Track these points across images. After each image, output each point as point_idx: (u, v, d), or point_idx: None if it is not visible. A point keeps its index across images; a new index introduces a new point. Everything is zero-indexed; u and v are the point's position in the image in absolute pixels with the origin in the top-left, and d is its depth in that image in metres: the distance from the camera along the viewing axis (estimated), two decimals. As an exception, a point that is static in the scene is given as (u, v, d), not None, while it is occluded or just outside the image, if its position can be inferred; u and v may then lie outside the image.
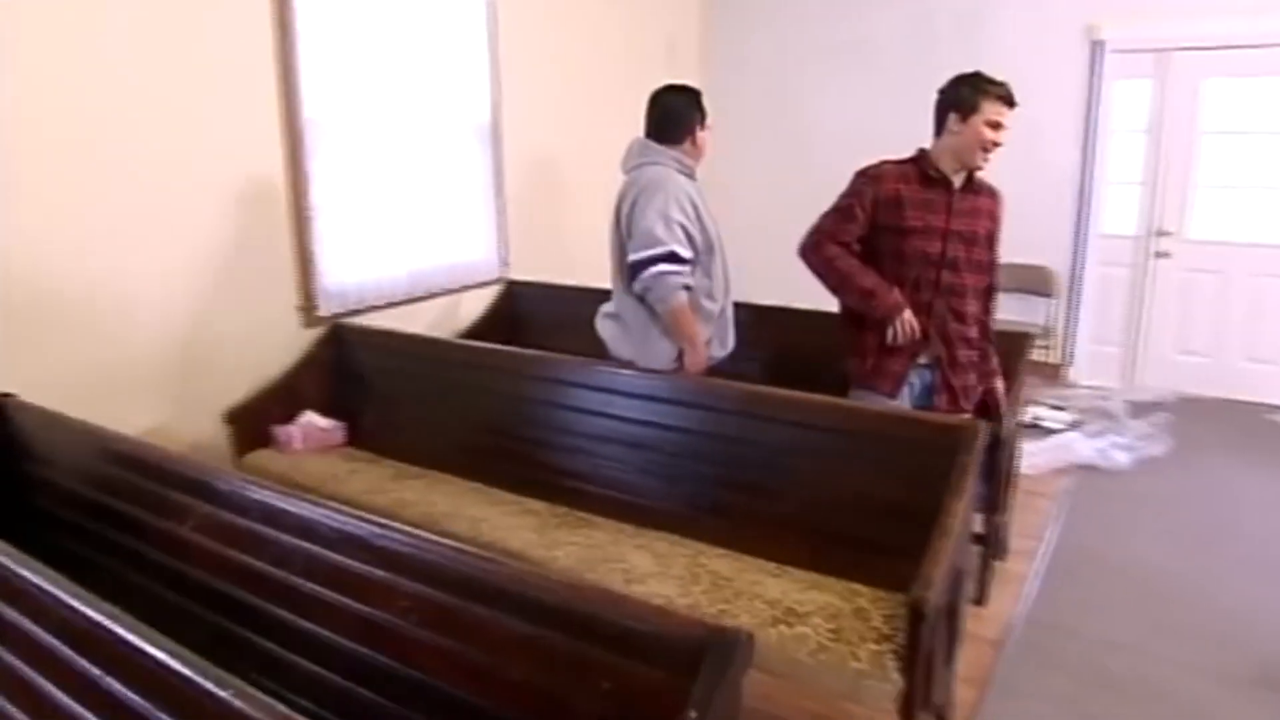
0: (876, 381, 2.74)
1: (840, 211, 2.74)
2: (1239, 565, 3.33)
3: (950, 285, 2.71)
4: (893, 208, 2.68)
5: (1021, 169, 5.32)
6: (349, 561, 1.73)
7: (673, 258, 2.69)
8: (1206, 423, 4.75)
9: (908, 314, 2.66)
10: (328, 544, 1.77)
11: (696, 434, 2.59)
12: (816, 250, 2.75)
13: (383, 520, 1.74)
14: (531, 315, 4.27)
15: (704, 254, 2.80)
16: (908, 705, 1.91)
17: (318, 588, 1.77)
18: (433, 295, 3.93)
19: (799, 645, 2.02)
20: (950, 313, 2.71)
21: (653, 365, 2.80)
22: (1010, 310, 4.62)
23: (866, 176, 2.75)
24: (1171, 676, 2.67)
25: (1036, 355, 5.04)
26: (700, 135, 2.89)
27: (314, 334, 3.39)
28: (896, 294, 2.67)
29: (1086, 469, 4.16)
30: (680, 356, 2.81)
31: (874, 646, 2.00)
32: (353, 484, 2.93)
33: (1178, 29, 4.91)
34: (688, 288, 2.75)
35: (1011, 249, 5.17)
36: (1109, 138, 5.21)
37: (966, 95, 2.71)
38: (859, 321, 2.77)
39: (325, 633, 1.75)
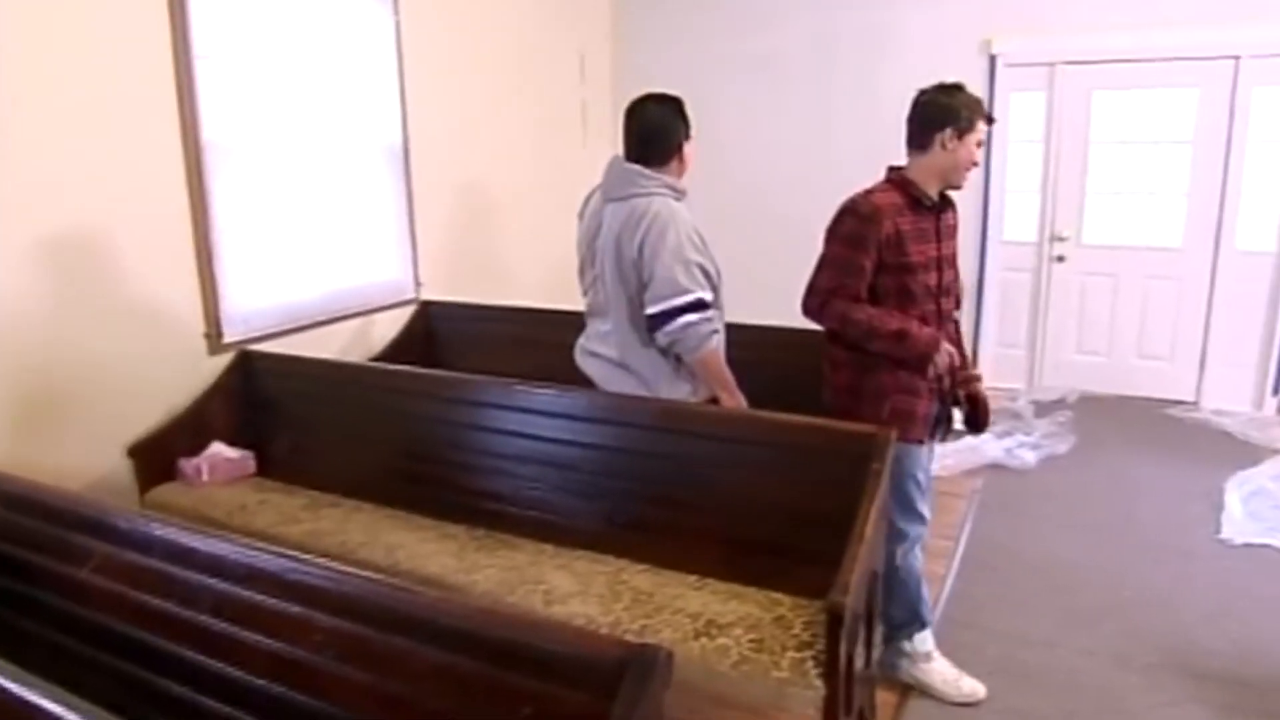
0: (905, 428, 2.47)
1: (841, 267, 2.45)
2: (1139, 554, 3.50)
3: (947, 312, 2.60)
4: (894, 246, 2.44)
5: (925, 179, 5.54)
6: (260, 597, 1.69)
7: (699, 305, 2.55)
8: (1106, 419, 4.97)
9: (945, 344, 2.49)
10: (237, 580, 1.72)
11: (614, 450, 2.60)
12: (825, 311, 2.47)
13: (294, 553, 1.70)
14: (447, 336, 4.23)
15: (716, 289, 2.68)
16: (830, 710, 1.95)
17: (228, 626, 1.73)
18: (344, 317, 3.87)
19: (721, 657, 2.04)
20: (948, 339, 2.57)
21: None
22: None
23: (860, 217, 2.46)
24: (1082, 666, 2.78)
25: (945, 359, 5.22)
26: (687, 150, 2.71)
27: (221, 361, 3.30)
28: (926, 328, 2.47)
29: (996, 468, 4.32)
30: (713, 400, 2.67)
31: (795, 654, 2.03)
32: (264, 516, 2.85)
33: (1067, 44, 5.15)
34: (715, 332, 2.62)
35: (918, 257, 5.40)
36: (1007, 148, 5.43)
37: (964, 112, 2.50)
38: (862, 365, 2.51)
39: (237, 673, 1.70)
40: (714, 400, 2.68)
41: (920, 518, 2.64)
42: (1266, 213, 5.00)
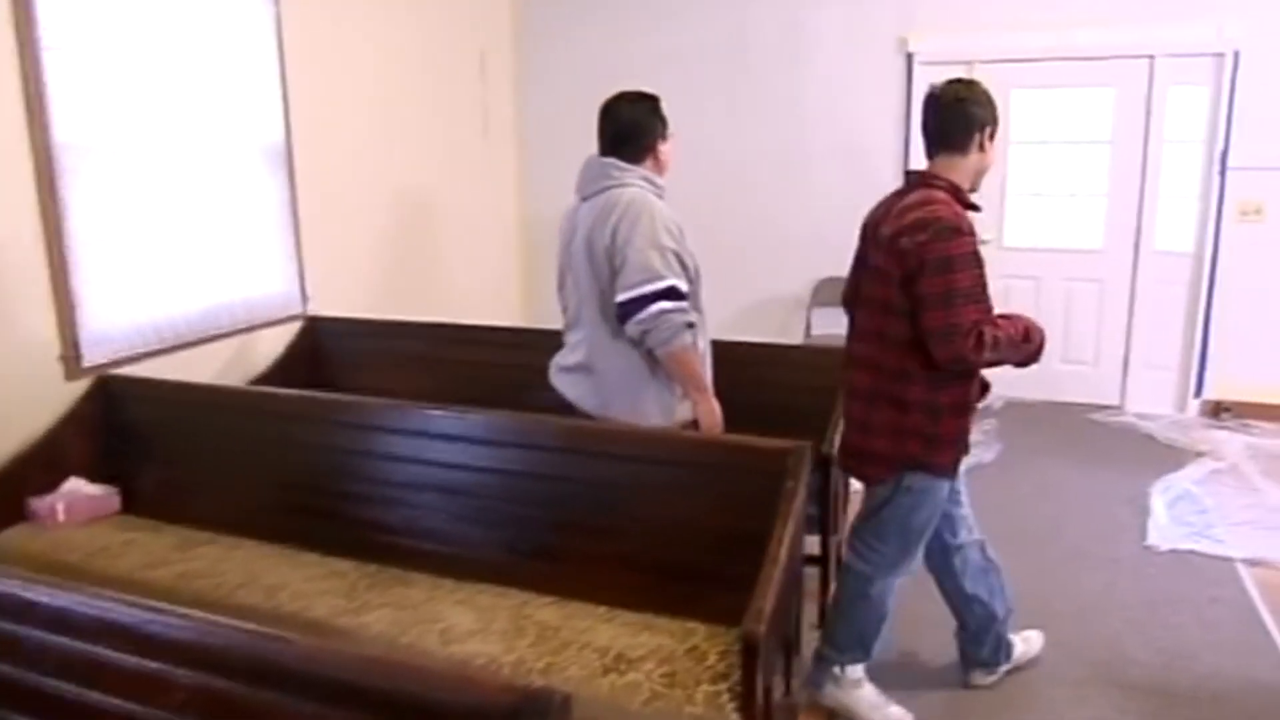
0: (960, 451, 2.46)
1: (975, 293, 2.31)
2: (1066, 564, 3.60)
3: None
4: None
5: (844, 183, 5.65)
6: (112, 654, 1.60)
7: (672, 293, 2.49)
8: (1033, 426, 5.13)
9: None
10: (86, 636, 1.62)
11: (517, 475, 2.56)
12: (979, 348, 2.28)
13: (152, 603, 1.61)
14: (338, 354, 4.12)
15: (694, 283, 2.64)
16: (747, 746, 1.94)
17: (77, 688, 1.62)
18: (222, 336, 3.73)
19: (632, 694, 2.01)
20: None
21: (652, 423, 2.58)
22: (839, 326, 4.82)
23: (968, 232, 2.33)
24: (1012, 680, 2.85)
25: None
26: (663, 149, 2.71)
27: (80, 386, 3.14)
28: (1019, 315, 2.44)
29: (920, 480, 4.39)
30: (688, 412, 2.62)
31: (709, 687, 2.02)
32: (129, 558, 2.72)
33: (984, 42, 5.31)
34: (690, 326, 2.55)
35: (838, 263, 5.46)
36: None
37: (994, 110, 2.50)
38: (939, 407, 2.39)
39: (87, 739, 1.61)
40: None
41: (917, 558, 2.63)
42: (1183, 213, 5.23)
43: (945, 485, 2.50)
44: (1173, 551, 3.68)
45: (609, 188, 2.61)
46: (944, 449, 2.42)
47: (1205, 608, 3.27)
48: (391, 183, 4.81)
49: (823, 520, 2.96)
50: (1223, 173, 5.07)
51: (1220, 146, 5.06)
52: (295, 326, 4.10)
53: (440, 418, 2.68)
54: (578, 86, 6.05)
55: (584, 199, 2.67)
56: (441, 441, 2.65)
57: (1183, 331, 5.30)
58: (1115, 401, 5.44)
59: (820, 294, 5.42)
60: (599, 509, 2.46)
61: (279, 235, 4.04)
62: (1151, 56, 5.12)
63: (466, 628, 2.29)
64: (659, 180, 2.68)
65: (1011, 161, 5.46)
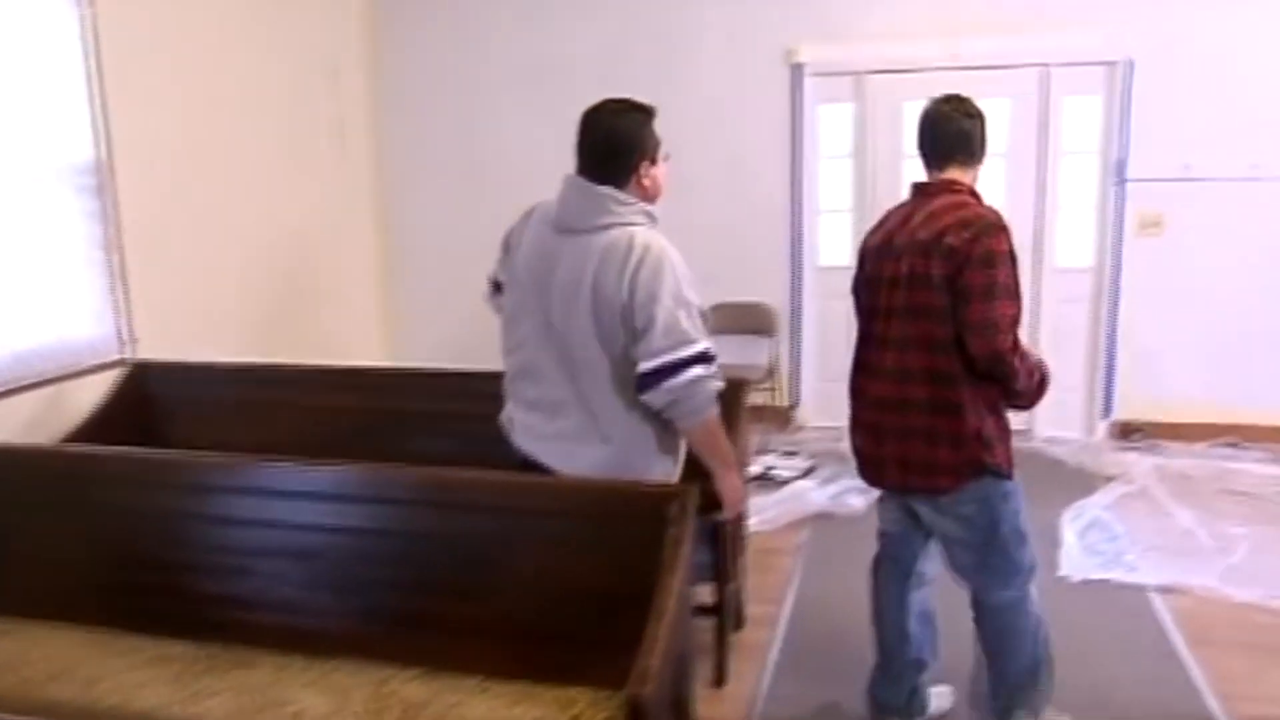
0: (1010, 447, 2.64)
1: (1015, 291, 2.47)
2: (976, 603, 3.69)
3: None
4: None
5: (730, 201, 5.78)
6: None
7: (705, 358, 2.39)
8: (937, 455, 5.27)
9: None
10: None
11: (374, 534, 2.50)
12: (1016, 347, 2.46)
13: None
14: (169, 404, 3.95)
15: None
16: (637, 822, 1.91)
17: None
18: (21, 388, 3.55)
19: (507, 775, 1.97)
20: None
21: None
22: (730, 353, 4.89)
23: (1006, 230, 2.50)
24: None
25: (762, 399, 5.42)
26: (655, 172, 2.53)
27: None
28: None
29: (822, 517, 4.50)
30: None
31: (593, 762, 1.99)
32: (-89, 653, 2.54)
33: (874, 52, 5.53)
34: (720, 393, 2.48)
35: (727, 287, 5.58)
36: (817, 164, 5.73)
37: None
38: (986, 403, 2.54)
39: None
40: (692, 478, 2.53)
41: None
42: (1083, 227, 5.51)
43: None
44: (1085, 582, 3.82)
45: (610, 226, 2.42)
46: (999, 447, 2.59)
47: (1120, 640, 3.41)
48: (237, 207, 4.69)
49: (717, 567, 2.97)
50: (1121, 185, 5.36)
51: (1117, 158, 5.36)
52: (117, 374, 3.93)
53: (285, 473, 2.60)
54: (442, 100, 6.06)
55: (568, 232, 2.46)
56: (287, 500, 2.57)
57: (1088, 351, 5.56)
58: (1022, 426, 5.65)
59: (713, 320, 5.47)
60: (467, 568, 2.41)
61: (90, 268, 3.87)
62: (1045, 65, 5.41)
63: (320, 711, 2.21)
64: (655, 212, 2.52)
65: (906, 178, 5.63)
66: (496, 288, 2.70)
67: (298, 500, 2.55)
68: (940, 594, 2.94)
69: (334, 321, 5.59)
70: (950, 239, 2.47)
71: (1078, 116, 5.44)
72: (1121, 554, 4.06)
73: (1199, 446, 5.27)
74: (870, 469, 2.76)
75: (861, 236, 5.61)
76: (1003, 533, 2.64)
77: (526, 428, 2.55)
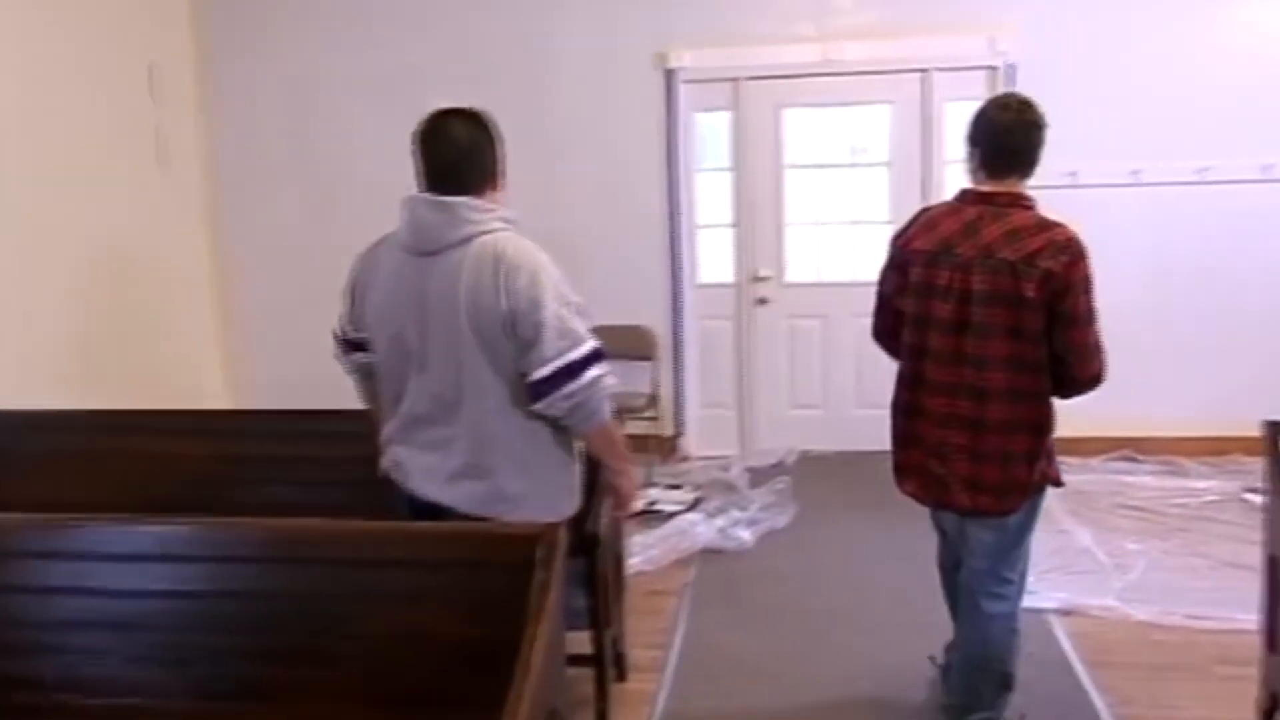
0: None
1: (1097, 317, 2.77)
2: (873, 635, 3.80)
3: None
4: None
5: (603, 216, 5.82)
6: None
7: (600, 356, 2.47)
8: (829, 480, 5.42)
9: None
10: None
11: (213, 596, 2.42)
12: (1107, 365, 2.80)
13: None
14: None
15: None
16: None
17: None
18: None
19: None
20: None
21: (563, 513, 2.51)
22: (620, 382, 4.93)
23: (1088, 253, 2.75)
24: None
25: (644, 428, 5.46)
26: (504, 178, 2.59)
27: None
28: None
29: (710, 553, 4.55)
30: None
31: (458, 836, 1.97)
32: None
33: (751, 57, 5.66)
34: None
35: (602, 309, 5.56)
36: (695, 177, 5.83)
37: None
38: (1043, 424, 2.84)
39: None
40: (593, 482, 2.65)
41: None
42: (968, 237, 5.72)
43: None
44: (980, 609, 3.95)
45: (472, 236, 2.44)
46: (1054, 460, 2.90)
47: (1020, 666, 3.53)
48: (48, 231, 4.51)
49: (594, 611, 2.98)
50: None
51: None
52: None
53: (105, 533, 2.49)
54: (281, 110, 5.96)
55: (428, 254, 2.46)
56: (108, 563, 2.46)
57: (978, 363, 5.77)
58: (918, 447, 5.82)
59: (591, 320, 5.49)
60: (314, 630, 2.36)
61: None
62: (926, 70, 5.62)
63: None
64: (513, 215, 2.55)
65: (787, 188, 5.80)
66: (348, 345, 2.68)
67: (122, 563, 2.45)
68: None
69: (166, 359, 5.42)
70: (1048, 263, 2.64)
71: (961, 122, 5.65)
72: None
73: (1095, 461, 5.50)
74: (932, 487, 2.92)
75: (742, 253, 5.76)
76: (1026, 540, 2.96)
77: (423, 472, 2.55)
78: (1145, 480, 5.30)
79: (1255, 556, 3.25)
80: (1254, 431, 3.22)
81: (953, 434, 2.80)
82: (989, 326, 2.71)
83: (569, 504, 2.60)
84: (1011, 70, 5.49)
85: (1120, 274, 5.30)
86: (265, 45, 5.90)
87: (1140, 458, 5.54)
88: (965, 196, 2.85)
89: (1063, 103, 5.41)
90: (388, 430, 2.62)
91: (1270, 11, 5.40)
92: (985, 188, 2.81)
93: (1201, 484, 5.21)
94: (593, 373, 2.43)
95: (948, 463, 2.82)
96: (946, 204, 2.91)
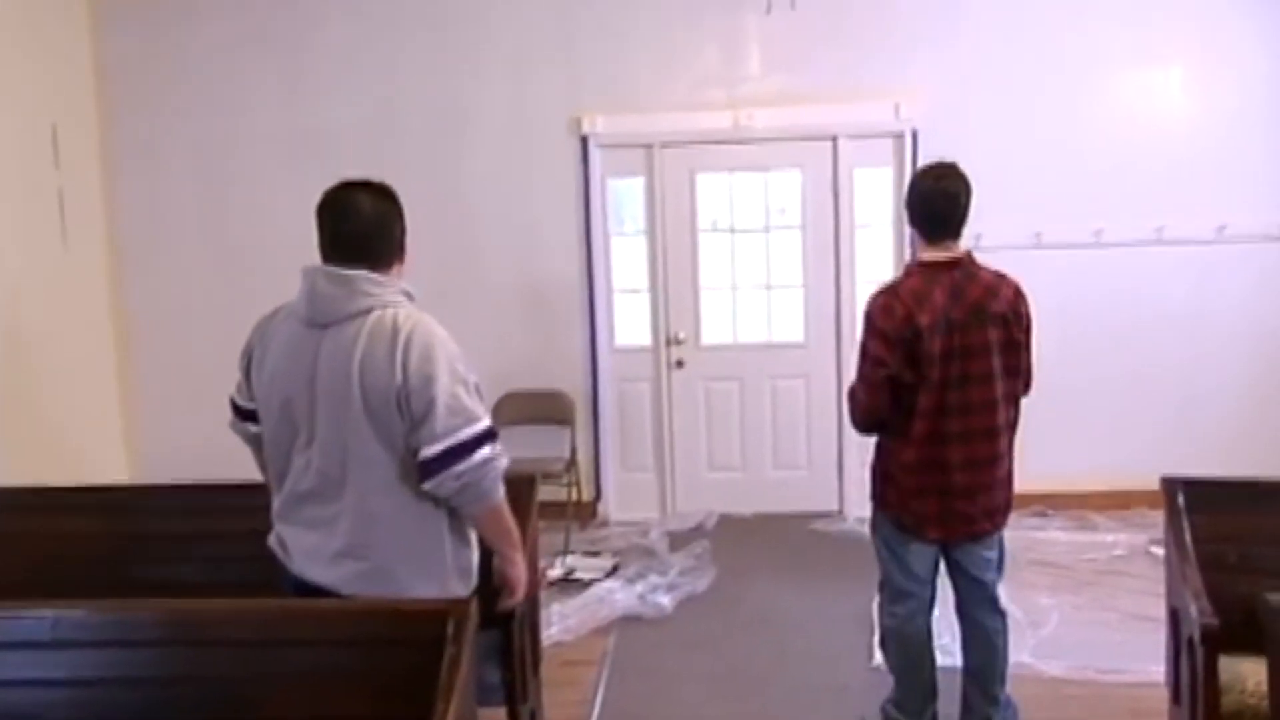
0: None
1: None
2: (791, 700, 3.81)
3: None
4: None
5: (520, 280, 5.85)
6: None
7: (492, 435, 2.42)
8: (748, 543, 5.44)
9: None
10: None
11: (107, 684, 2.33)
12: None
13: None
14: None
15: None
16: None
17: None
18: None
19: None
20: None
21: (453, 592, 2.45)
22: (524, 445, 4.93)
23: None
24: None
25: (562, 493, 5.44)
26: (407, 252, 2.57)
27: None
28: None
29: (629, 620, 4.53)
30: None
31: None
32: None
33: (665, 123, 5.76)
34: None
35: (518, 374, 5.61)
36: (611, 241, 5.88)
37: None
38: None
39: None
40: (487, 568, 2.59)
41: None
42: (879, 300, 5.84)
43: None
44: (900, 670, 3.98)
45: (369, 309, 2.41)
46: None
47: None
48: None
49: (508, 686, 2.95)
50: (915, 257, 5.73)
51: (909, 229, 5.73)
52: None
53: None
54: (188, 172, 5.89)
55: (323, 326, 2.42)
56: (-2, 651, 2.38)
57: (894, 424, 5.86)
58: (834, 507, 5.89)
59: (505, 411, 5.48)
60: (218, 716, 2.29)
61: None
62: (834, 137, 5.76)
63: None
64: (413, 290, 2.53)
65: (703, 252, 5.88)
66: (241, 413, 2.64)
67: (13, 651, 2.35)
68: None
69: (62, 431, 5.26)
70: (1023, 308, 3.19)
71: (869, 187, 5.81)
72: (938, 636, 4.24)
73: (1009, 518, 5.60)
74: (959, 527, 3.23)
75: (658, 316, 5.83)
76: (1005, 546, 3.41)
77: (306, 553, 2.49)
78: (1056, 535, 5.41)
79: (1162, 609, 3.35)
80: (1156, 485, 3.34)
81: (979, 475, 3.17)
82: (990, 373, 3.12)
83: (462, 586, 2.53)
84: (914, 136, 5.65)
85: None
86: (172, 105, 5.83)
87: (1051, 513, 5.64)
88: (932, 265, 3.16)
89: (966, 167, 5.61)
90: (274, 507, 2.57)
91: (1158, 81, 5.66)
92: (943, 255, 3.16)
93: (1110, 538, 5.33)
94: (484, 453, 2.39)
95: (976, 500, 3.19)
96: (917, 277, 3.18)
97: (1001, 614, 3.37)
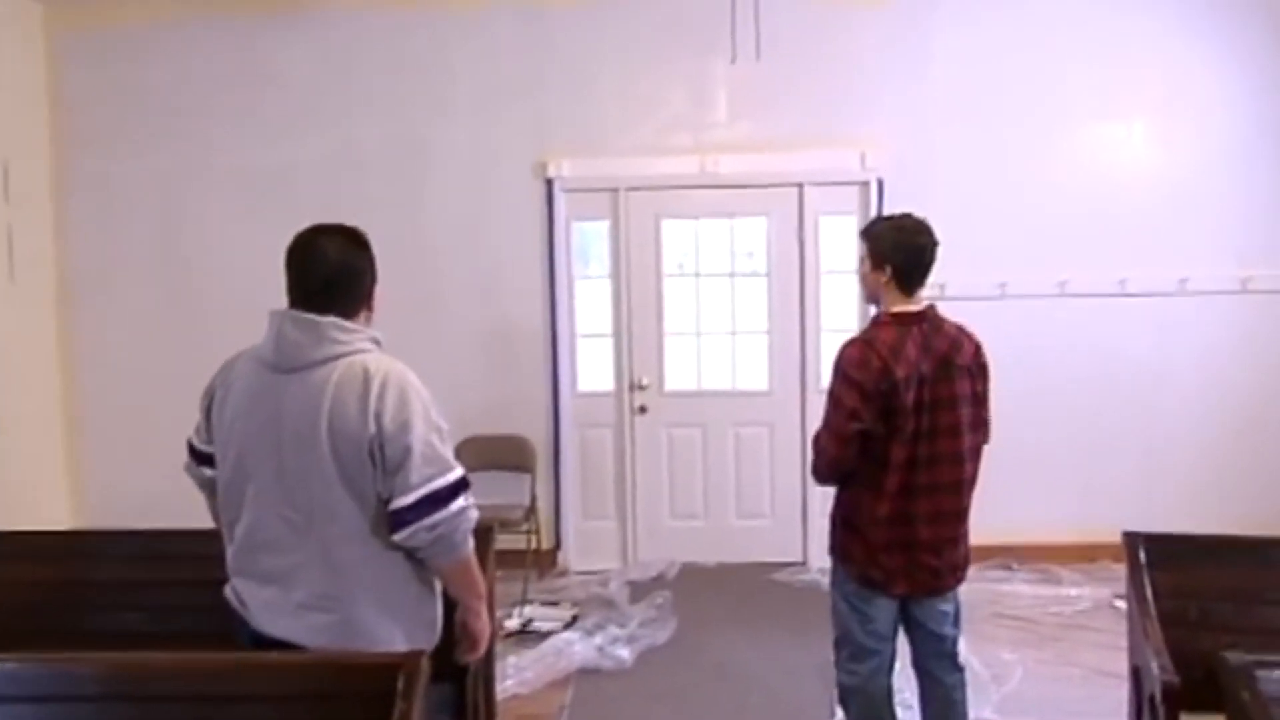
0: None
1: None
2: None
3: None
4: None
5: (481, 324, 5.85)
6: None
7: (466, 484, 2.43)
8: (710, 593, 5.43)
9: None
10: None
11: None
12: None
13: None
14: None
15: None
16: None
17: None
18: None
19: None
20: None
21: (418, 644, 2.40)
22: (483, 492, 4.86)
23: None
24: None
25: (521, 541, 5.41)
26: (376, 298, 2.57)
27: None
28: None
29: (588, 673, 4.49)
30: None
31: None
32: None
33: (630, 168, 5.80)
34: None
35: (479, 418, 5.58)
36: (574, 285, 5.91)
37: None
38: None
39: None
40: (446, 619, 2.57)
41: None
42: (845, 349, 5.89)
43: None
44: (860, 725, 3.98)
45: (339, 356, 2.40)
46: None
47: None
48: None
49: (463, 744, 2.91)
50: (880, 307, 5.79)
51: (870, 278, 5.79)
52: None
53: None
54: (141, 210, 5.87)
55: (290, 371, 2.41)
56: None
57: (859, 477, 5.89)
58: (798, 558, 5.89)
59: (464, 457, 5.42)
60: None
61: None
62: (800, 185, 5.82)
63: None
64: (380, 337, 2.53)
65: (668, 297, 5.91)
66: (198, 457, 2.62)
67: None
68: None
69: (2, 472, 5.18)
70: (982, 359, 3.25)
71: (835, 235, 5.87)
72: (899, 691, 4.24)
73: (972, 570, 5.59)
74: (925, 581, 3.23)
75: (622, 361, 5.87)
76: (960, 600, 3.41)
77: (264, 606, 2.45)
78: (1020, 589, 5.43)
79: (1125, 664, 3.37)
80: (1120, 538, 3.38)
81: (945, 529, 3.19)
82: (958, 426, 3.15)
83: (427, 638, 2.51)
84: (879, 184, 5.72)
85: (992, 389, 5.50)
86: (127, 140, 5.81)
87: (1015, 565, 5.67)
88: (902, 316, 3.17)
89: (931, 217, 5.66)
90: (228, 558, 2.54)
91: (1121, 133, 5.78)
92: (912, 306, 3.19)
93: (1074, 591, 5.36)
94: (459, 503, 2.39)
95: (942, 555, 3.20)
96: (890, 328, 3.17)
97: (960, 669, 3.39)
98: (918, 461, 3.11)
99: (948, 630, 3.33)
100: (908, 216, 3.36)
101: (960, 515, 3.24)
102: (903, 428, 3.08)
